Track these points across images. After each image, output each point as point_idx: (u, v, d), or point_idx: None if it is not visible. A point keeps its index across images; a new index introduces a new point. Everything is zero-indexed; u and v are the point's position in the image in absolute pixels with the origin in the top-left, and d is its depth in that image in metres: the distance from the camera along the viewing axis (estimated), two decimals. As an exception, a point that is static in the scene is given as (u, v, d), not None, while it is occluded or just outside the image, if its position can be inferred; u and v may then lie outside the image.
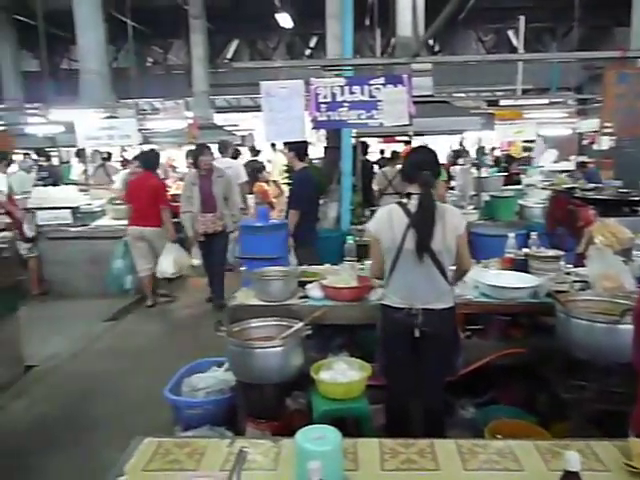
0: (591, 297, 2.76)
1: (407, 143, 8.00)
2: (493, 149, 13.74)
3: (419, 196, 2.53)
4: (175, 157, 13.51)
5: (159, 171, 6.97)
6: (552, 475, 1.41)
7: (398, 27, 5.82)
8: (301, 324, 2.68)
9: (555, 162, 11.02)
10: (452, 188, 7.79)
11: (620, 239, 3.25)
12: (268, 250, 3.18)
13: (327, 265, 3.44)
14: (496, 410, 2.94)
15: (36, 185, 8.04)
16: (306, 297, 3.01)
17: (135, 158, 7.60)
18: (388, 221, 2.57)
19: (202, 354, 3.81)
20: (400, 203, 2.59)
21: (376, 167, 8.78)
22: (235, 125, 14.49)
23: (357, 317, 2.95)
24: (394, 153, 8.22)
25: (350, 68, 4.88)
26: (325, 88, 3.72)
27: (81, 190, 7.54)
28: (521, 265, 3.26)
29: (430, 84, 5.69)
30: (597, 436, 1.85)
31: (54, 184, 8.80)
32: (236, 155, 9.24)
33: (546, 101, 10.58)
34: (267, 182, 8.70)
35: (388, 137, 9.90)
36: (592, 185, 5.85)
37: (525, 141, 12.77)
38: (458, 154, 11.63)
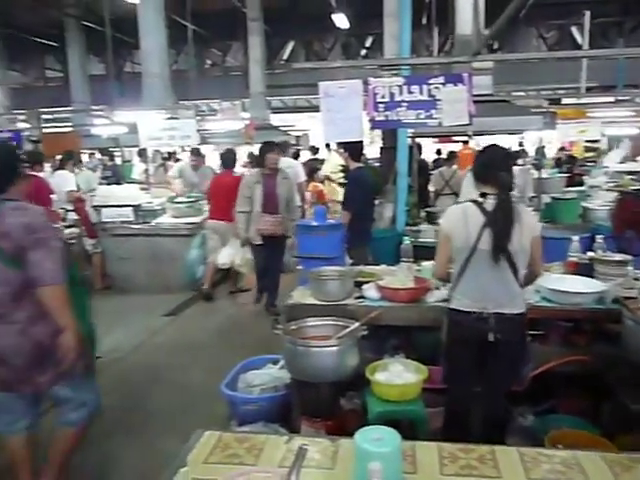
0: (662, 304, 2.63)
1: (465, 143, 7.87)
2: (562, 149, 13.20)
3: (497, 197, 2.47)
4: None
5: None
6: (622, 489, 1.35)
7: (457, 25, 5.73)
8: (357, 324, 2.67)
9: (621, 163, 10.54)
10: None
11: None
12: (325, 250, 3.20)
13: (383, 266, 3.43)
14: (557, 419, 2.84)
15: (100, 184, 8.39)
16: (362, 297, 3.00)
17: (191, 152, 8.05)
18: (463, 219, 2.50)
19: (258, 351, 3.88)
20: (475, 202, 2.53)
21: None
22: (291, 126, 14.64)
23: (414, 318, 2.92)
24: (451, 153, 8.08)
25: (407, 67, 4.84)
26: (383, 88, 3.70)
27: (142, 189, 7.79)
28: (586, 269, 3.15)
29: (490, 83, 5.58)
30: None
31: (117, 183, 9.17)
32: (297, 155, 9.41)
33: (612, 99, 10.14)
34: (322, 182, 8.75)
35: (444, 137, 9.75)
36: (662, 187, 5.57)
37: (588, 141, 12.28)
38: (517, 154, 11.32)
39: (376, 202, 5.37)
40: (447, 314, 2.61)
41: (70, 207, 6.54)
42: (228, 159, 6.42)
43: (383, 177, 5.79)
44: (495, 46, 17.21)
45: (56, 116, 15.48)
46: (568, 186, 7.84)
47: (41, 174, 6.44)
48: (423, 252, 3.57)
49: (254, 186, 5.37)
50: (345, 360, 2.60)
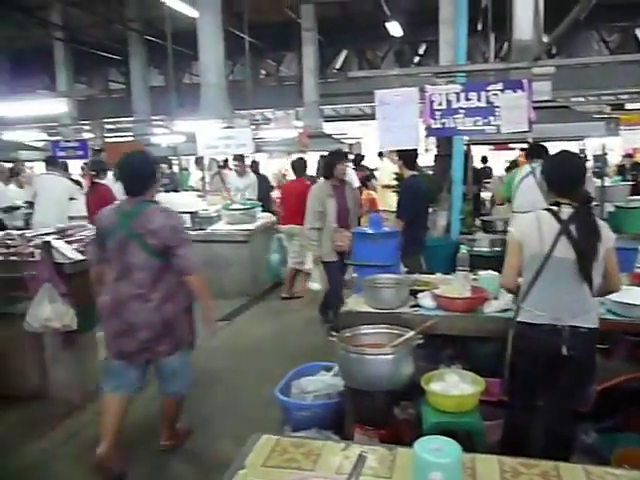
0: None
1: (523, 150, 7.68)
2: (629, 156, 12.64)
3: (576, 208, 2.41)
4: (286, 165, 13.95)
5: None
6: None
7: (515, 30, 5.61)
8: (412, 333, 2.65)
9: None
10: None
11: None
12: (380, 257, 3.19)
13: (439, 274, 3.39)
14: (621, 438, 2.73)
15: (159, 191, 8.65)
16: (417, 306, 2.98)
17: (234, 158, 8.20)
18: (536, 227, 2.44)
19: (310, 358, 3.90)
20: (550, 210, 2.46)
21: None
22: (343, 134, 14.70)
23: (470, 329, 2.87)
24: (512, 163, 7.92)
25: (463, 74, 4.79)
26: (440, 95, 3.67)
27: (199, 196, 8.00)
28: (653, 281, 3.01)
29: (549, 88, 5.42)
30: None
31: (174, 190, 9.45)
32: (360, 161, 9.52)
33: (680, 103, 9.68)
34: (375, 190, 8.74)
35: (500, 144, 9.57)
36: None
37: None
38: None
39: (430, 210, 5.32)
40: (514, 326, 2.53)
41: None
42: (299, 167, 6.70)
43: (437, 185, 5.73)
44: (553, 51, 16.75)
45: (118, 126, 16.16)
46: (633, 194, 7.53)
47: (105, 181, 6.74)
48: (478, 261, 3.51)
49: (326, 199, 5.08)
50: (400, 369, 2.59)
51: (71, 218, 6.51)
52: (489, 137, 3.76)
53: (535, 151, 5.18)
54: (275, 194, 9.16)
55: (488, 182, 9.91)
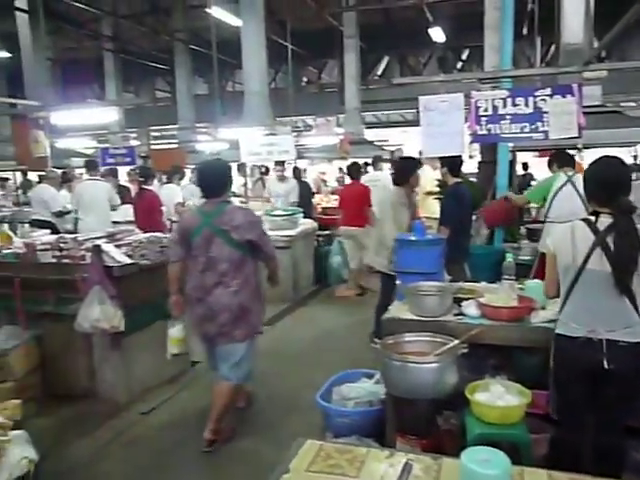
0: None
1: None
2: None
3: (616, 218, 2.31)
4: (326, 171, 14.01)
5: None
6: None
7: (564, 34, 5.49)
8: (457, 341, 2.62)
9: None
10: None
11: None
12: (423, 265, 3.15)
13: (484, 283, 3.33)
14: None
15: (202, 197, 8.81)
16: (462, 314, 2.93)
17: (275, 163, 8.28)
18: (570, 238, 2.37)
19: (351, 364, 3.90)
20: (586, 220, 2.39)
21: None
22: (384, 140, 14.66)
23: (516, 339, 2.81)
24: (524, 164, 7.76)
25: (509, 80, 4.71)
26: (486, 101, 3.62)
27: (241, 202, 8.10)
28: None
29: (599, 93, 5.29)
30: None
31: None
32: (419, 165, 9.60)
33: None
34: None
35: (545, 150, 9.35)
36: None
37: None
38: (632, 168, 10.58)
39: (474, 218, 5.24)
40: (554, 340, 2.47)
41: (176, 218, 6.93)
42: (355, 170, 7.11)
43: (481, 192, 5.64)
44: (602, 54, 16.30)
45: (163, 133, 16.57)
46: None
47: (152, 187, 6.92)
48: (523, 270, 3.44)
49: (399, 209, 4.75)
50: (444, 378, 2.55)
51: (115, 223, 6.71)
52: (536, 143, 3.67)
53: (560, 159, 4.78)
54: (316, 200, 9.21)
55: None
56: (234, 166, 12.86)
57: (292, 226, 6.98)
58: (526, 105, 3.56)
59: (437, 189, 7.66)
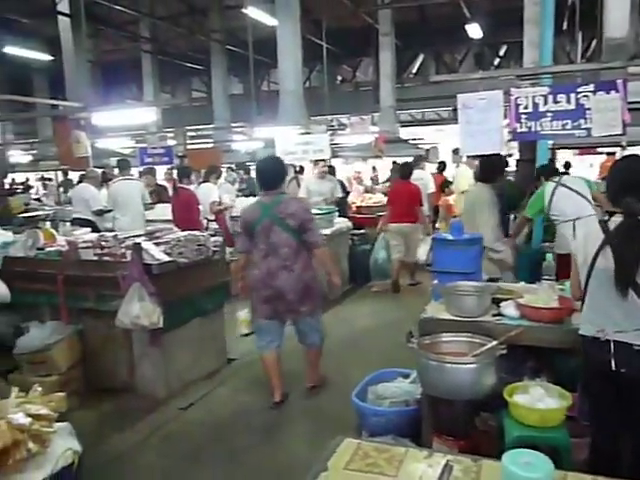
0: None
1: (610, 155, 7.29)
2: None
3: (622, 223, 2.26)
4: (360, 170, 13.95)
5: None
6: None
7: (606, 28, 5.35)
8: (495, 342, 2.58)
9: None
10: None
11: None
12: (461, 264, 3.11)
13: (522, 283, 3.27)
14: None
15: (237, 196, 8.91)
16: (500, 315, 2.88)
17: (315, 162, 8.20)
18: (584, 238, 2.38)
19: (385, 363, 3.88)
20: (602, 220, 2.36)
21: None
22: (420, 139, 14.53)
23: (556, 340, 2.74)
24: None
25: (549, 76, 4.61)
26: (526, 98, 3.55)
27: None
28: None
29: (644, 88, 5.12)
30: None
31: (251, 195, 9.68)
32: (443, 168, 9.80)
33: None
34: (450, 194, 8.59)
35: (586, 148, 9.13)
36: None
37: None
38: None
39: (511, 217, 5.15)
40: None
41: (212, 217, 7.03)
42: (405, 171, 7.31)
43: (519, 191, 5.53)
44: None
45: (199, 133, 16.79)
46: None
47: (190, 186, 7.03)
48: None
49: (486, 207, 4.58)
50: (482, 379, 2.52)
51: (151, 221, 6.83)
52: (579, 141, 3.59)
53: (546, 173, 4.72)
54: (350, 199, 9.20)
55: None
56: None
57: (327, 225, 6.97)
58: (568, 102, 3.47)
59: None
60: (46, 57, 14.20)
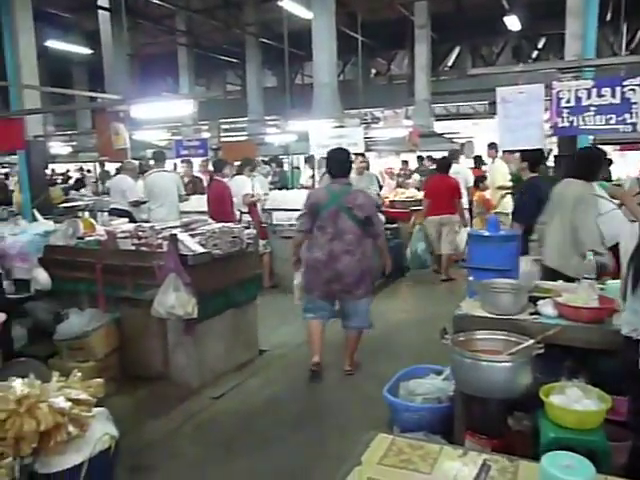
0: None
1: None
2: None
3: None
4: (392, 165, 13.86)
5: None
6: None
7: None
8: (532, 341, 2.53)
9: None
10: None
11: None
12: (497, 261, 3.06)
13: (560, 281, 3.20)
14: None
15: (270, 189, 8.96)
16: (537, 313, 2.83)
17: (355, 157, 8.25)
18: (625, 235, 2.43)
19: (417, 359, 3.86)
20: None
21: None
22: (455, 133, 14.33)
23: (595, 341, 2.68)
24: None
25: (591, 69, 4.48)
26: (569, 92, 3.45)
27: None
28: None
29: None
30: None
31: (283, 188, 9.73)
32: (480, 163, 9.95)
33: None
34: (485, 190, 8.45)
35: (630, 144, 8.88)
36: None
37: None
38: None
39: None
40: None
41: (245, 209, 7.08)
42: (443, 166, 7.57)
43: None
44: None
45: (232, 126, 16.93)
46: None
47: (226, 179, 7.09)
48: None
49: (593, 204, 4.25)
50: (517, 378, 2.48)
51: (185, 213, 6.91)
52: (623, 136, 3.48)
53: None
54: (383, 193, 9.14)
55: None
56: (302, 158, 13.05)
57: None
58: (613, 95, 3.36)
59: (509, 184, 7.43)
60: (86, 50, 14.51)
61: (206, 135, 12.56)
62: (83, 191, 11.58)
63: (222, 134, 11.94)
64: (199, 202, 7.44)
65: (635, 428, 2.43)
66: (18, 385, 2.48)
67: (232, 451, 3.37)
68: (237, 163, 7.60)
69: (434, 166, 10.91)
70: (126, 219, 5.77)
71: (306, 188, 9.05)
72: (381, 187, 9.45)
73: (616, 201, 3.35)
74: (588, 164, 4.09)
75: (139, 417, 3.70)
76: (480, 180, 8.13)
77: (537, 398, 2.46)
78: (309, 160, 10.20)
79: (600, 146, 5.22)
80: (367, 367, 4.52)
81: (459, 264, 7.45)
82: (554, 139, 5.85)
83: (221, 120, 14.22)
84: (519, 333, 2.67)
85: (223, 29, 16.18)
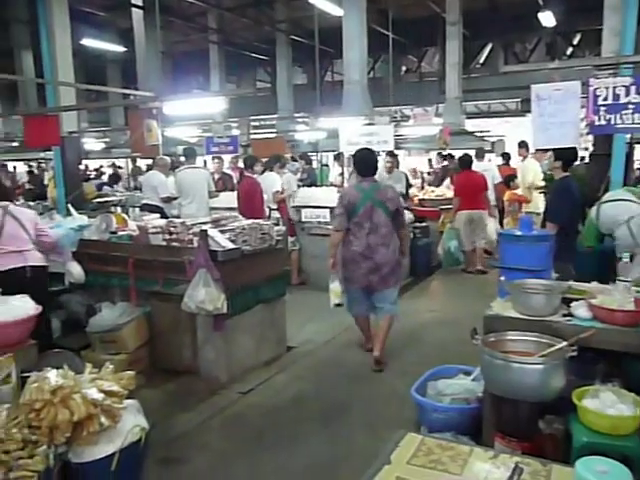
0: None
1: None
2: None
3: None
4: (418, 162, 13.74)
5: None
6: None
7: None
8: (565, 343, 2.48)
9: None
10: None
11: None
12: (529, 261, 3.01)
13: (595, 283, 3.13)
14: None
15: (298, 186, 8.97)
16: (570, 315, 2.77)
17: (386, 154, 8.23)
18: None
19: (445, 359, 3.83)
20: None
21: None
22: (486, 131, 14.12)
23: (633, 344, 2.61)
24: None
25: (630, 66, 4.36)
26: (607, 89, 3.37)
27: (338, 192, 8.14)
28: None
29: None
30: None
31: (312, 185, 9.73)
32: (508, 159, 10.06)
33: None
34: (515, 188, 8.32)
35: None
36: None
37: None
38: None
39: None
40: None
41: (274, 206, 7.11)
42: (466, 162, 7.68)
43: (591, 187, 5.27)
44: None
45: (262, 123, 17.02)
46: None
47: (254, 175, 7.13)
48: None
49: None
50: (549, 380, 2.44)
51: (215, 209, 6.97)
52: (662, 135, 3.38)
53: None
54: (412, 191, 9.08)
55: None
56: (331, 155, 13.00)
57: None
58: (652, 93, 3.28)
59: (541, 183, 7.30)
60: (120, 48, 14.75)
61: (236, 132, 12.64)
62: (115, 187, 11.77)
63: (252, 131, 11.97)
64: (228, 198, 7.49)
65: None
66: (53, 376, 2.55)
67: (259, 446, 3.39)
68: (265, 159, 7.61)
69: (445, 163, 10.95)
70: (157, 215, 5.84)
71: (335, 186, 9.04)
72: (410, 186, 9.38)
73: None
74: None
75: (168, 410, 3.76)
76: (511, 179, 7.99)
77: (569, 401, 2.42)
78: (338, 157, 10.19)
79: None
80: (396, 365, 4.50)
81: (490, 262, 7.47)
82: (589, 137, 5.71)
83: (251, 117, 14.28)
84: (551, 335, 2.63)
85: (254, 27, 16.26)
